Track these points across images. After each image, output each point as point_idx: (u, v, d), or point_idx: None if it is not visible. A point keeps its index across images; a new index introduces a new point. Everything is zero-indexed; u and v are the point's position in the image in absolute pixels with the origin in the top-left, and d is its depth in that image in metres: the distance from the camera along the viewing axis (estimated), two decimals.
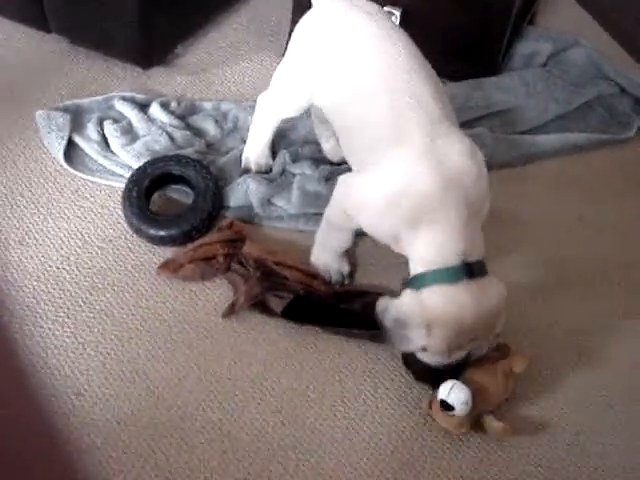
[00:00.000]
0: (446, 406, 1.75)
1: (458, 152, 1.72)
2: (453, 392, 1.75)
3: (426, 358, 1.76)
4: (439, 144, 1.71)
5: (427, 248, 1.70)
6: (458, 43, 2.54)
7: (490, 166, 2.32)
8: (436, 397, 1.78)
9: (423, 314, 1.67)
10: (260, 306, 1.97)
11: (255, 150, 2.25)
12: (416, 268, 1.73)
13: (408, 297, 1.70)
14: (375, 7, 1.94)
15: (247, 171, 2.24)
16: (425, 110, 1.74)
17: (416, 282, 1.71)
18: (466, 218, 1.69)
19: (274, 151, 2.30)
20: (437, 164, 1.69)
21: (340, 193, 1.88)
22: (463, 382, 1.77)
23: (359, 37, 1.86)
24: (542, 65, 2.70)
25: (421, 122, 1.73)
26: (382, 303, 1.75)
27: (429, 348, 1.70)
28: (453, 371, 1.79)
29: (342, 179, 1.89)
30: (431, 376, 1.82)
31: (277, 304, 1.95)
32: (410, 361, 1.85)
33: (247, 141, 2.26)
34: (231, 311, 1.96)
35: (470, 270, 1.68)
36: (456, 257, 1.68)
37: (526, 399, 1.90)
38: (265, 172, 2.25)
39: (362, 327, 1.92)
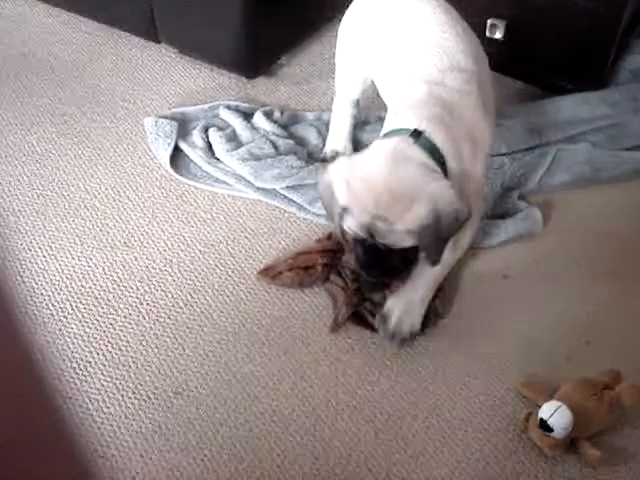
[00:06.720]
0: (545, 427, 1.71)
1: (458, 81, 1.90)
2: (557, 414, 1.70)
3: (349, 225, 1.78)
4: (445, 79, 1.90)
5: (393, 119, 1.86)
6: (564, 56, 2.49)
7: (594, 181, 2.31)
8: (536, 413, 1.75)
9: (346, 171, 1.75)
10: (357, 318, 1.98)
11: (334, 142, 2.33)
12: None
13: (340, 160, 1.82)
14: None
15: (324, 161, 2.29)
16: (450, 58, 1.94)
17: None
18: (442, 118, 1.82)
19: None
20: (434, 83, 1.89)
21: None
22: (568, 405, 1.72)
23: (400, 7, 2.07)
24: None
25: (441, 65, 1.93)
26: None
27: (348, 208, 1.74)
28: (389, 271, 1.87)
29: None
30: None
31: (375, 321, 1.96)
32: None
33: (327, 138, 2.35)
34: (336, 325, 1.96)
35: (417, 133, 1.77)
36: (409, 126, 1.79)
37: (626, 427, 1.82)
38: None
39: None
